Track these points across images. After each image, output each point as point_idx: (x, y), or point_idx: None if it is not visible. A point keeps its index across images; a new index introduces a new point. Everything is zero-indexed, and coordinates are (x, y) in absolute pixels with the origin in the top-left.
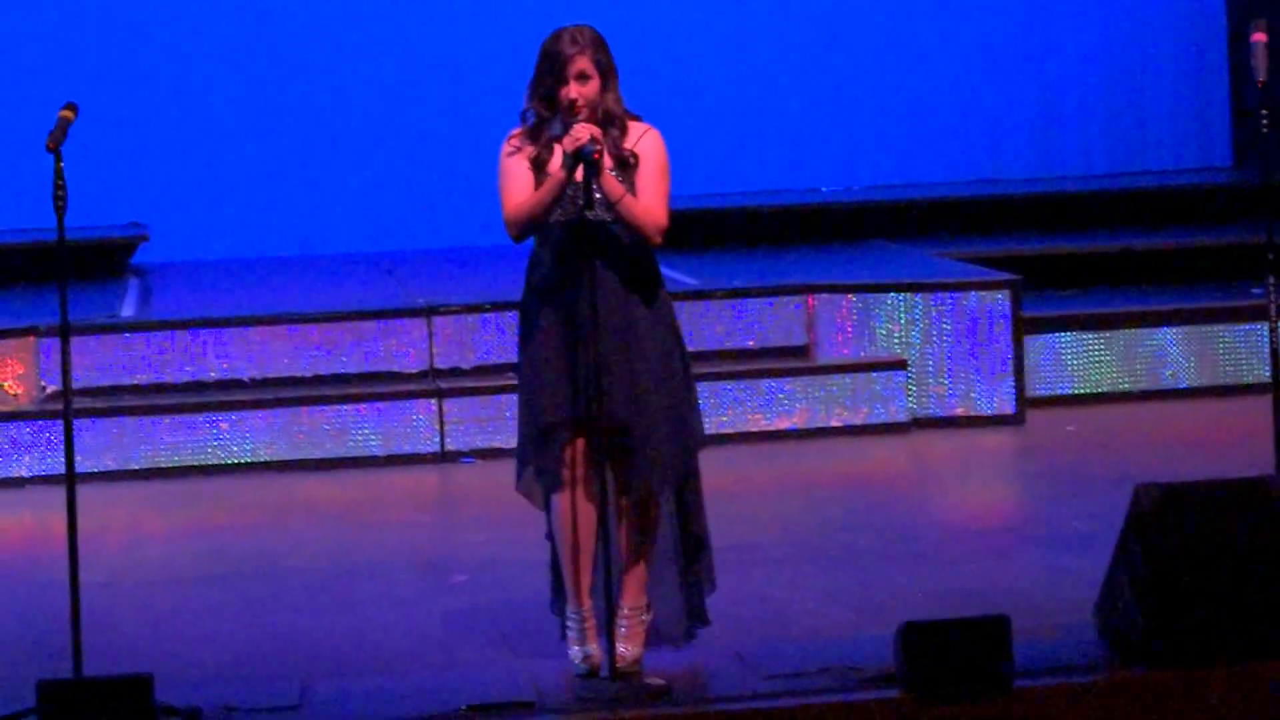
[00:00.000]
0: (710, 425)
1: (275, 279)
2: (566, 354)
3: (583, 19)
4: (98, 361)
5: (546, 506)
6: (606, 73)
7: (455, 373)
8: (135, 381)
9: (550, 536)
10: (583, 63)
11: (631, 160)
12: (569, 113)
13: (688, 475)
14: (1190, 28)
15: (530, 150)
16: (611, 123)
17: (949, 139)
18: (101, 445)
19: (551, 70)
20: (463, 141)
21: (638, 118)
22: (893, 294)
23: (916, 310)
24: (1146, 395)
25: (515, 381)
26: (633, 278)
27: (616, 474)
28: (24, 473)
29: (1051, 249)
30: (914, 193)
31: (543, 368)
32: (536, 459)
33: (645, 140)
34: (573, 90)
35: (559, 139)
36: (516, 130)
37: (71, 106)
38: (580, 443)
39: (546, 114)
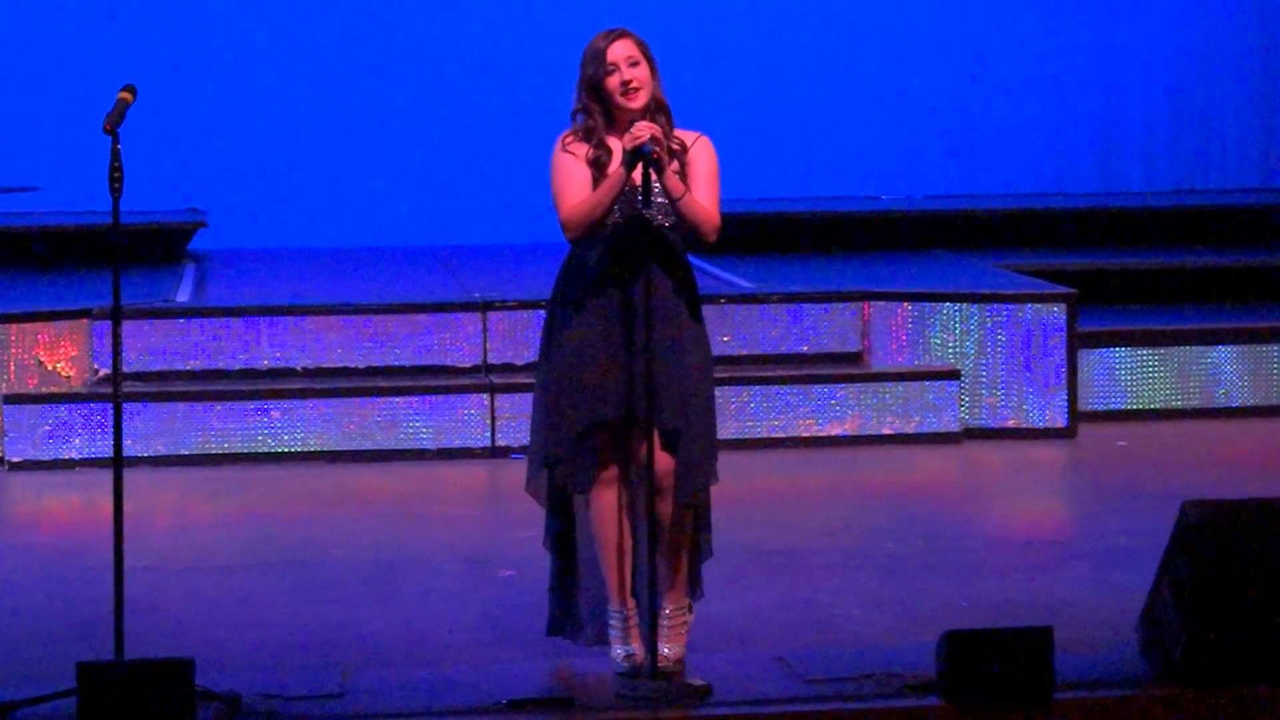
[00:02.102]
0: (762, 429)
1: (332, 269)
2: (613, 353)
3: (645, 23)
4: (151, 346)
5: (555, 508)
6: (651, 61)
7: (508, 368)
8: (188, 367)
9: (550, 544)
10: (629, 48)
11: (678, 147)
12: (624, 93)
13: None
14: (1257, 47)
15: (585, 150)
16: (661, 110)
17: (1011, 151)
18: (152, 430)
19: (596, 58)
20: (523, 137)
21: None
22: (949, 304)
23: (972, 321)
24: (1199, 413)
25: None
26: (680, 284)
27: (656, 476)
28: (74, 455)
29: (1110, 264)
30: (974, 204)
31: (588, 364)
32: (573, 458)
33: (698, 146)
34: (625, 72)
35: (616, 134)
36: (568, 131)
37: (130, 89)
38: (619, 443)
39: (596, 107)
